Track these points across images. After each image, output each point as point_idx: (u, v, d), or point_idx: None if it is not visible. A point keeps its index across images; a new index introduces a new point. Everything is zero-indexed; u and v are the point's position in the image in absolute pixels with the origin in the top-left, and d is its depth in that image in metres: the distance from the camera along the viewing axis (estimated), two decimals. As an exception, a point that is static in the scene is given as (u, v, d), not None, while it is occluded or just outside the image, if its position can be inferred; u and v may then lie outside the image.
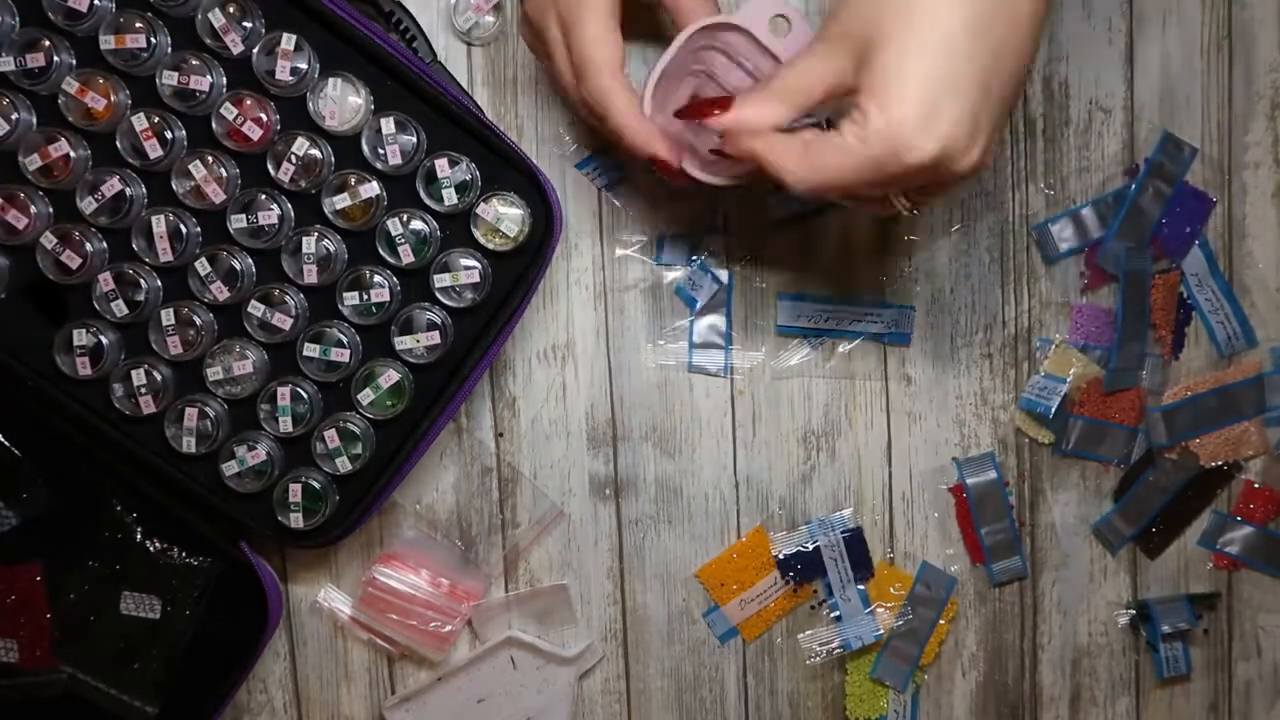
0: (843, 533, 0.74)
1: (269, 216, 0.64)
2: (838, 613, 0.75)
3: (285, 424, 0.66)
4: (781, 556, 0.74)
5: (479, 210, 0.65)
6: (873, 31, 0.52)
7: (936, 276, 0.74)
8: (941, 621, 0.75)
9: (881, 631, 0.74)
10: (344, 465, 0.66)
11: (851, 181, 0.53)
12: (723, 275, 0.73)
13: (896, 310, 0.73)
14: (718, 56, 0.63)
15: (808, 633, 0.75)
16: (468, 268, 0.65)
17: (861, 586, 0.75)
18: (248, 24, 0.62)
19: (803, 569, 0.74)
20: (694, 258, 0.73)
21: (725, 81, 0.64)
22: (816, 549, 0.75)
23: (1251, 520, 0.76)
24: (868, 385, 0.74)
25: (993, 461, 0.75)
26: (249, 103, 0.63)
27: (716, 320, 0.73)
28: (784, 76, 0.54)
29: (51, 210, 0.64)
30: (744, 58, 0.63)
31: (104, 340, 0.65)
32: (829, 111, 0.59)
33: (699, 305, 0.73)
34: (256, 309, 0.65)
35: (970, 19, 0.51)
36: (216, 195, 0.63)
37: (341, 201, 0.64)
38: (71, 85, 0.62)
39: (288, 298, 0.65)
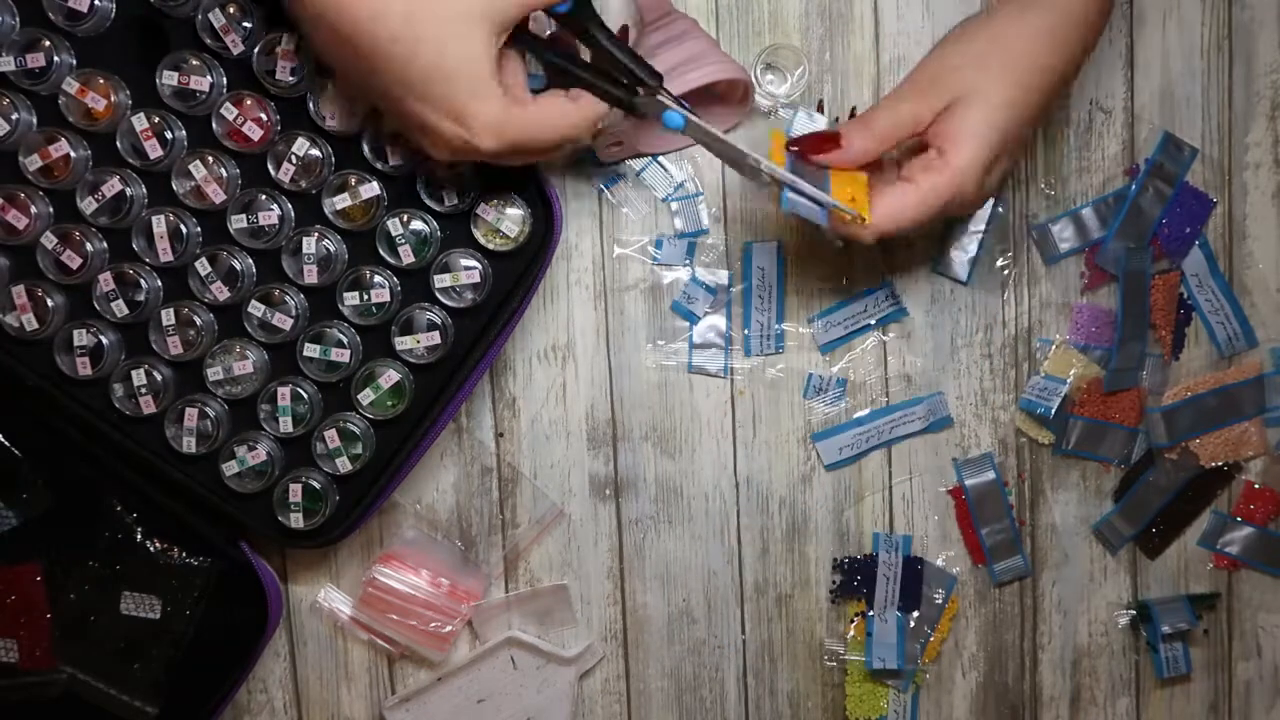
0: (905, 556, 0.75)
1: (269, 216, 0.64)
2: (871, 631, 0.75)
3: (285, 424, 0.66)
4: (843, 561, 0.75)
5: (479, 210, 0.65)
6: (968, 90, 0.61)
7: (936, 276, 0.74)
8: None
9: (909, 666, 0.75)
10: (344, 465, 0.66)
11: (917, 222, 0.62)
12: (722, 275, 0.73)
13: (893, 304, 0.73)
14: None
15: (833, 638, 0.75)
16: (468, 268, 0.65)
17: (901, 614, 0.75)
18: (248, 24, 0.62)
19: (859, 582, 0.75)
20: (687, 260, 0.73)
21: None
22: (873, 560, 0.75)
23: (1251, 520, 0.76)
24: (868, 385, 0.74)
25: (991, 462, 0.75)
26: (249, 103, 0.63)
27: (716, 320, 0.73)
28: (881, 119, 0.62)
29: (52, 210, 0.64)
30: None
31: (104, 340, 0.65)
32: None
33: (698, 319, 0.73)
34: (256, 309, 0.65)
35: (1041, 95, 0.62)
36: (216, 195, 0.63)
37: (341, 201, 0.64)
38: (71, 85, 0.62)
39: (288, 298, 0.65)
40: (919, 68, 0.65)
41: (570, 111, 0.58)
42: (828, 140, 0.62)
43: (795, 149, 0.63)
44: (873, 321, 0.73)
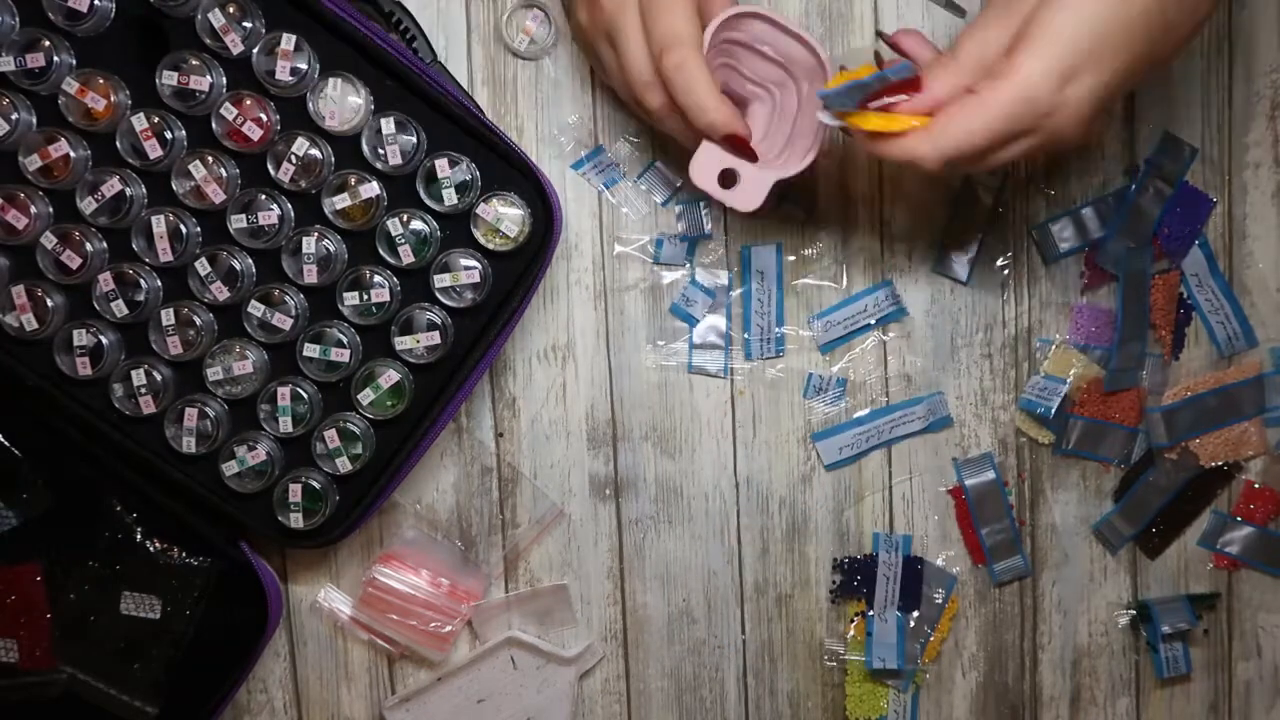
0: (905, 555, 0.75)
1: (269, 216, 0.64)
2: (871, 631, 0.75)
3: (285, 424, 0.66)
4: (843, 561, 0.75)
5: (479, 210, 0.65)
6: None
7: (936, 276, 0.74)
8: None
9: (909, 666, 0.75)
10: (344, 465, 0.66)
11: (981, 146, 0.54)
12: (722, 277, 0.73)
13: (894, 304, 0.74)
14: (737, 48, 0.64)
15: (833, 638, 0.75)
16: (468, 268, 0.65)
17: (901, 614, 0.75)
18: (248, 24, 0.62)
19: (859, 582, 0.75)
20: (688, 261, 0.73)
21: (750, 70, 0.64)
22: (873, 560, 0.75)
23: (1251, 520, 0.76)
24: (868, 385, 0.74)
25: (991, 462, 0.75)
26: (249, 103, 0.63)
27: (716, 321, 0.73)
28: (966, 48, 0.56)
29: (51, 210, 0.64)
30: (764, 43, 0.63)
31: (104, 340, 0.65)
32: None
33: (697, 322, 0.73)
34: (256, 309, 0.65)
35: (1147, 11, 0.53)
36: (216, 195, 0.63)
37: (341, 201, 0.64)
38: (71, 85, 0.62)
39: (288, 298, 0.65)
40: None
41: (718, 106, 0.59)
42: (906, 84, 0.56)
43: (869, 101, 0.57)
44: (873, 321, 0.73)
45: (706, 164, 0.62)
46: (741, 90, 0.66)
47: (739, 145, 0.61)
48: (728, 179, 0.62)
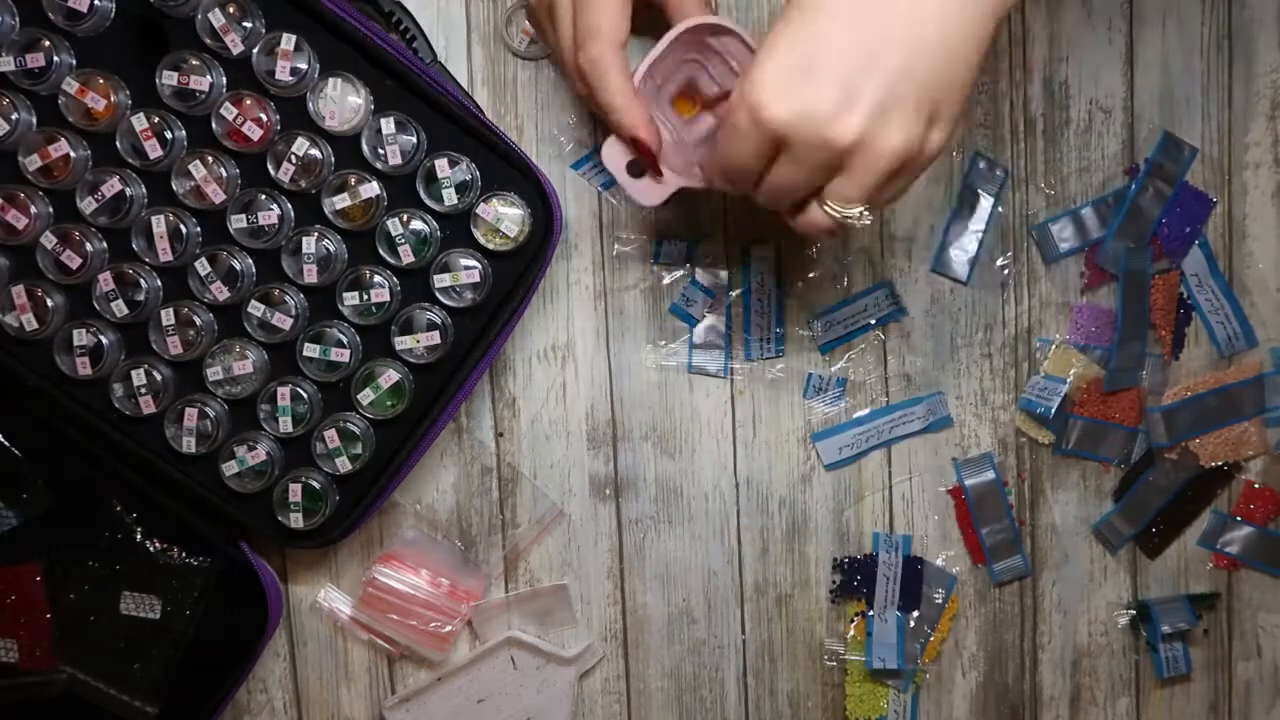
0: (905, 555, 0.75)
1: (269, 216, 0.64)
2: (871, 631, 0.75)
3: (285, 424, 0.66)
4: (843, 561, 0.75)
5: (479, 210, 0.65)
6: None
7: (936, 276, 0.74)
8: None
9: (909, 666, 0.75)
10: (344, 465, 0.66)
11: (744, 161, 0.52)
12: (722, 276, 0.73)
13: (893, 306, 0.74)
14: (709, 51, 0.64)
15: (833, 638, 0.75)
16: (468, 268, 0.65)
17: (901, 614, 0.75)
18: (248, 24, 0.62)
19: (859, 582, 0.75)
20: (687, 262, 0.73)
21: (715, 74, 0.65)
22: (873, 560, 0.75)
23: (1251, 520, 0.76)
24: (868, 385, 0.74)
25: (991, 462, 0.75)
26: (249, 103, 0.63)
27: (716, 321, 0.73)
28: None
29: (51, 210, 0.64)
30: (731, 55, 0.63)
31: (104, 340, 0.65)
32: None
33: (696, 322, 0.73)
34: (256, 309, 0.65)
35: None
36: (216, 195, 0.63)
37: (341, 201, 0.64)
38: (71, 85, 0.62)
39: (288, 298, 0.65)
40: None
41: (625, 108, 0.60)
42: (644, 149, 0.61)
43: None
44: (873, 321, 0.73)
45: (615, 152, 0.63)
46: (708, 91, 0.66)
47: (643, 150, 0.61)
48: (635, 168, 0.63)
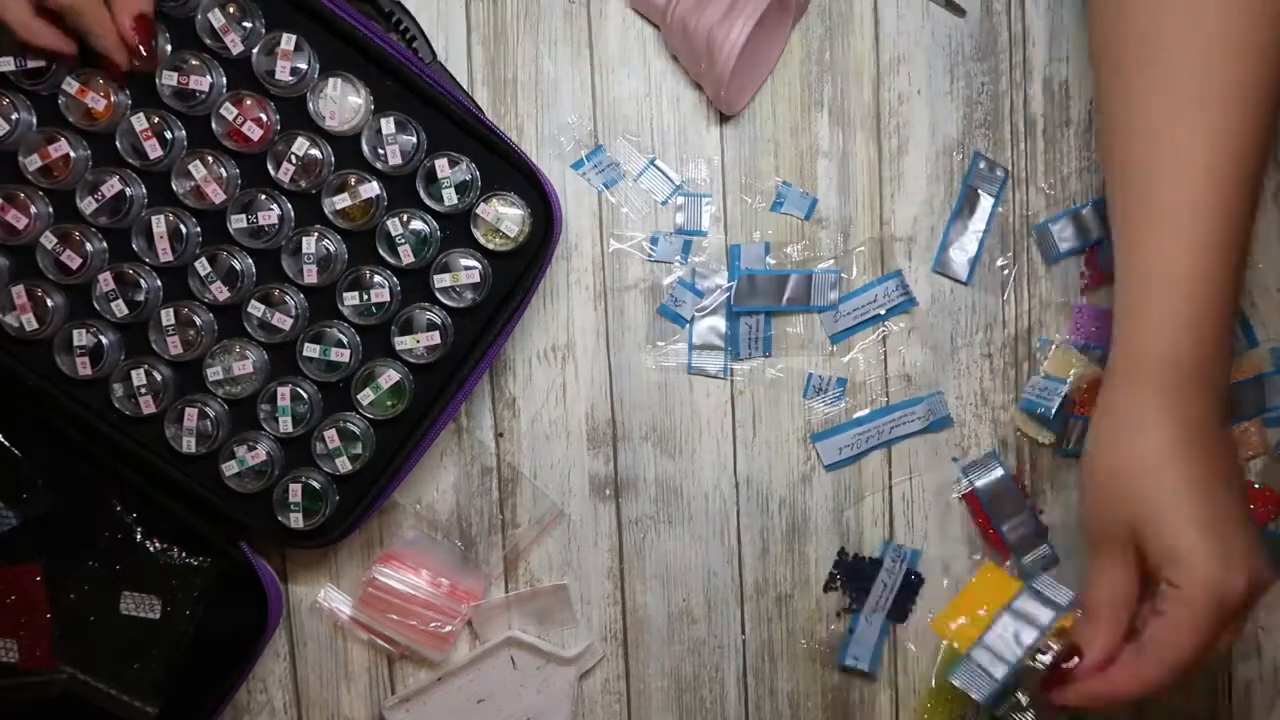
0: (908, 568, 0.75)
1: (269, 216, 0.64)
2: (853, 628, 0.75)
3: (285, 424, 0.66)
4: (848, 557, 0.75)
5: (479, 210, 0.65)
6: (1135, 526, 0.55)
7: (936, 276, 0.74)
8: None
9: (866, 668, 0.75)
10: (344, 465, 0.66)
11: (1201, 652, 0.55)
12: (721, 276, 0.73)
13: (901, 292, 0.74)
14: None
15: (823, 627, 0.75)
16: (468, 268, 0.65)
17: (886, 620, 0.75)
18: (248, 24, 0.62)
19: (856, 580, 0.75)
20: (682, 258, 0.73)
21: None
22: (876, 564, 0.75)
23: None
24: (868, 385, 0.74)
25: (996, 458, 0.75)
26: (249, 103, 0.63)
27: (715, 322, 0.73)
28: (1097, 605, 0.57)
29: (51, 210, 0.64)
30: None
31: (104, 340, 0.65)
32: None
33: (685, 321, 0.73)
34: (256, 309, 0.65)
35: (1192, 463, 0.55)
36: (216, 195, 0.63)
37: (341, 201, 0.64)
38: (71, 85, 0.62)
39: (288, 298, 0.65)
40: (1087, 534, 0.59)
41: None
42: (1067, 656, 0.57)
43: (1046, 688, 0.58)
44: (883, 311, 0.73)
45: None
46: None
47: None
48: None
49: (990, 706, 0.59)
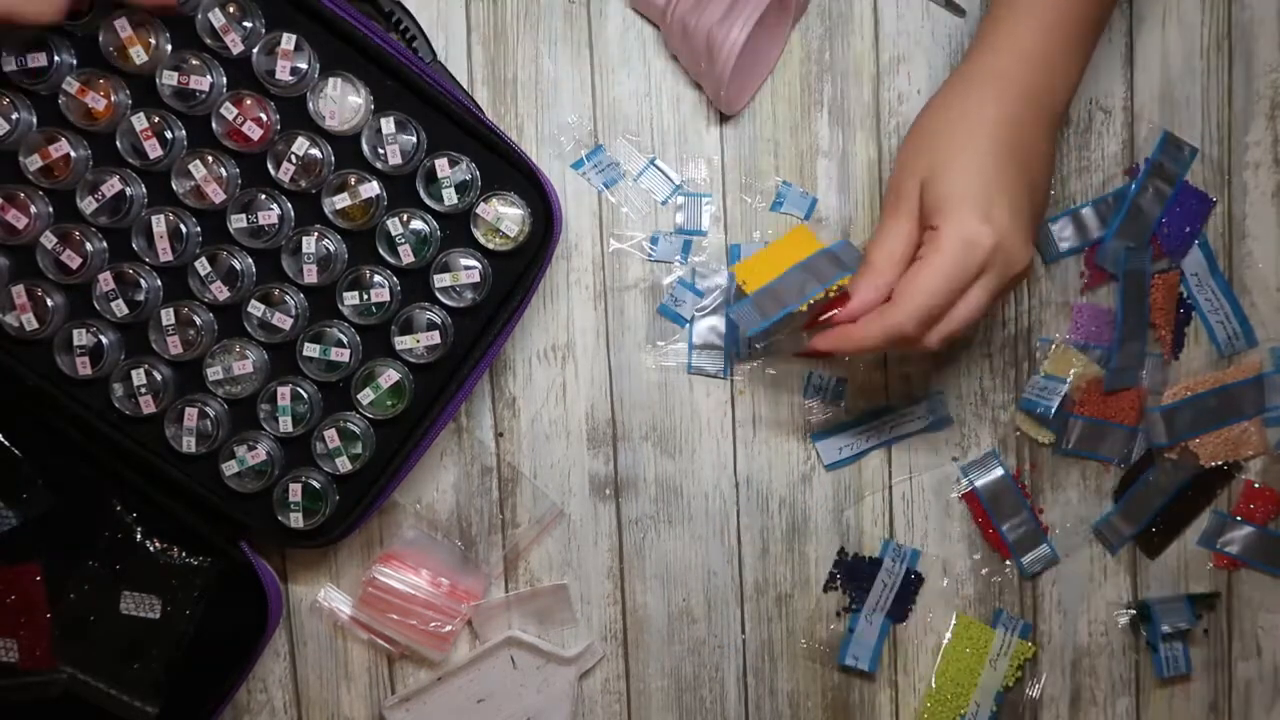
0: (908, 568, 0.75)
1: (269, 216, 0.64)
2: (853, 628, 0.75)
3: (285, 424, 0.66)
4: (848, 556, 0.75)
5: (479, 210, 0.65)
6: (925, 177, 0.61)
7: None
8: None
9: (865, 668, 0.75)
10: (344, 465, 0.66)
11: (941, 300, 0.60)
12: (721, 275, 0.73)
13: None
14: None
15: (823, 627, 0.75)
16: (468, 268, 0.65)
17: (886, 619, 0.75)
18: (248, 24, 0.62)
19: (855, 579, 0.75)
20: (681, 258, 0.73)
21: None
22: (876, 563, 0.75)
23: (1251, 520, 0.76)
24: (869, 384, 0.74)
25: (997, 458, 0.75)
26: (249, 103, 0.63)
27: (716, 322, 0.73)
28: (874, 253, 0.62)
29: (51, 210, 0.64)
30: None
31: (104, 340, 0.65)
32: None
33: (685, 321, 0.73)
34: (256, 309, 0.65)
35: (997, 142, 0.61)
36: (216, 195, 0.63)
37: (341, 201, 0.64)
38: (71, 85, 0.62)
39: (288, 298, 0.65)
40: (887, 193, 0.64)
41: None
42: (835, 302, 0.63)
43: (809, 327, 0.64)
44: None
45: None
46: None
47: None
48: None
49: (754, 339, 0.65)
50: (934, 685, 0.76)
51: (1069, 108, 0.65)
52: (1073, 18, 0.62)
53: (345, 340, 0.66)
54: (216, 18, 0.62)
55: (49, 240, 0.63)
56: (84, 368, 0.65)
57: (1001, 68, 0.62)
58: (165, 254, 0.64)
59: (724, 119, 0.73)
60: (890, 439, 0.74)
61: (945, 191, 0.60)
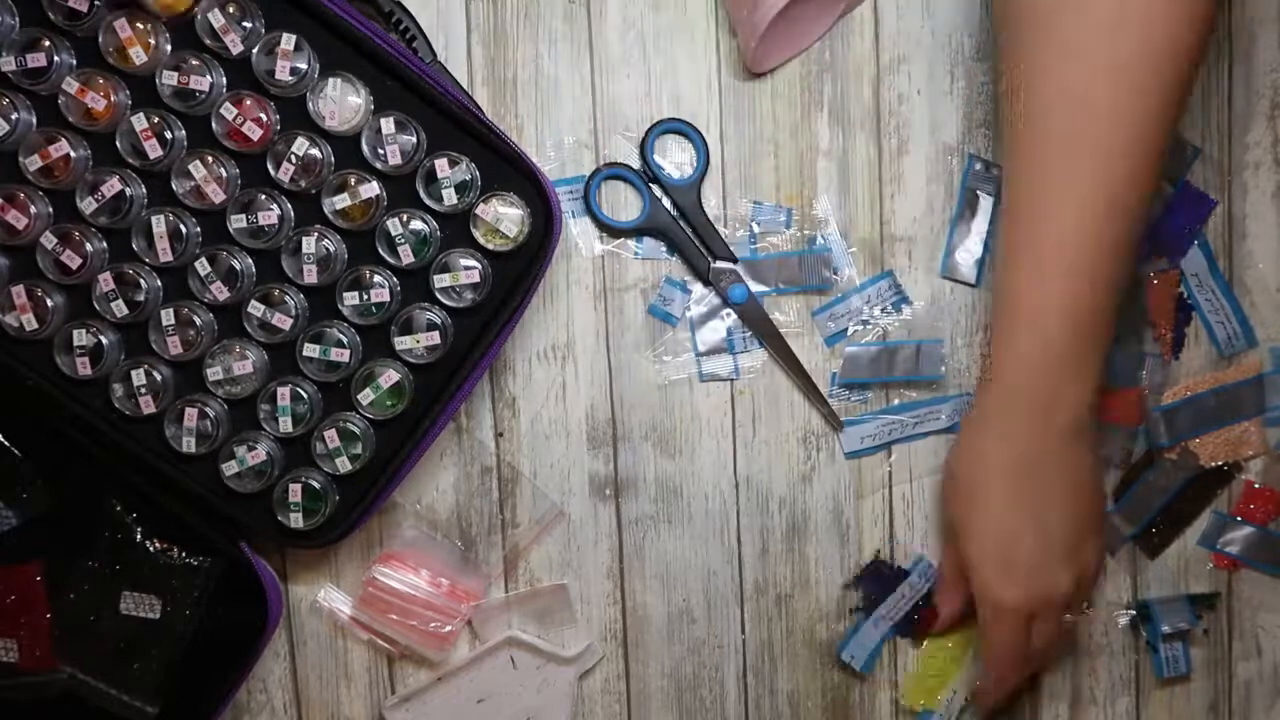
0: (930, 590, 0.75)
1: (269, 216, 0.64)
2: (858, 627, 0.75)
3: (285, 424, 0.66)
4: (879, 563, 0.75)
5: (479, 210, 0.65)
6: (951, 536, 0.71)
7: (936, 275, 0.74)
8: None
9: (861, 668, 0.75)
10: (344, 465, 0.66)
11: (1012, 652, 0.68)
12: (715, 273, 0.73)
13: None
14: None
15: (823, 627, 0.75)
16: (468, 268, 0.65)
17: (891, 629, 0.75)
18: (248, 24, 0.62)
19: (876, 585, 0.75)
20: (668, 256, 0.72)
21: None
22: (903, 575, 0.75)
23: (1251, 520, 0.76)
24: (868, 384, 0.74)
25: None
26: (249, 103, 0.63)
27: (717, 325, 0.73)
28: (940, 579, 0.74)
29: (51, 210, 0.64)
30: None
31: (104, 340, 0.65)
32: None
33: (676, 320, 0.73)
34: (256, 309, 0.65)
35: (1007, 489, 0.65)
36: (216, 195, 0.64)
37: (341, 201, 0.64)
38: (71, 85, 0.62)
39: (288, 298, 0.65)
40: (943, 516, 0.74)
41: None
42: (930, 617, 0.74)
43: (920, 635, 0.75)
44: (877, 311, 0.73)
45: None
46: None
47: None
48: None
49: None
50: (912, 670, 0.76)
51: (1098, 398, 0.64)
52: (1071, 326, 0.62)
53: (345, 340, 0.66)
54: (216, 18, 0.62)
55: (49, 240, 0.63)
56: (84, 368, 0.65)
57: (1006, 400, 0.64)
58: (165, 254, 0.64)
59: (724, 119, 0.72)
60: (913, 435, 0.74)
61: (965, 554, 0.67)
